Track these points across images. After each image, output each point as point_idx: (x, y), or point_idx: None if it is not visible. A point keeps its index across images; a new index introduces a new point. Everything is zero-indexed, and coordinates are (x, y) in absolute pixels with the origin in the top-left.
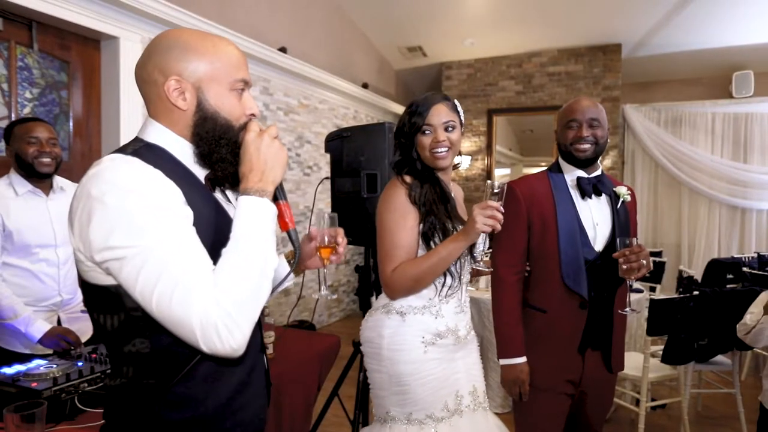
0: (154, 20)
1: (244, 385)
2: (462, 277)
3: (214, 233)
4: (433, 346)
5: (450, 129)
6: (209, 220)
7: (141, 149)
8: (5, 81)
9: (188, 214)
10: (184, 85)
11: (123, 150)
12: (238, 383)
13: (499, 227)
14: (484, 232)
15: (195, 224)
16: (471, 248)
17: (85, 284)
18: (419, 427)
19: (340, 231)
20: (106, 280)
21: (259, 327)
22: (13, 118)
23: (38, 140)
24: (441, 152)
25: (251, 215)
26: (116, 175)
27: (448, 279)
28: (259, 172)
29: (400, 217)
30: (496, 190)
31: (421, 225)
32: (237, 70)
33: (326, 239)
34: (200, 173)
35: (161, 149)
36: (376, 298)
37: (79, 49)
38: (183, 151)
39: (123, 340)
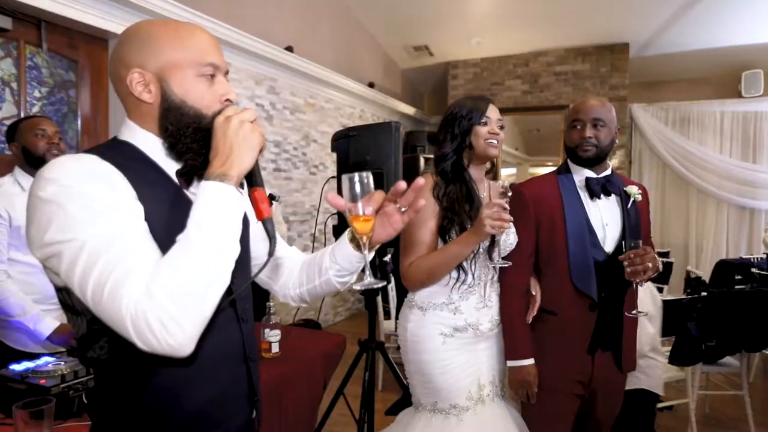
0: (160, 18)
1: (218, 400)
2: (482, 274)
3: (175, 230)
4: (452, 338)
5: (501, 127)
6: (171, 217)
7: (105, 146)
8: (14, 80)
9: (137, 209)
10: (148, 77)
11: (89, 149)
12: (211, 397)
13: (506, 227)
14: (492, 233)
15: (151, 221)
16: (490, 248)
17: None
18: (444, 416)
19: (377, 195)
20: (59, 280)
21: (240, 333)
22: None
23: (46, 133)
24: (494, 142)
25: (207, 201)
26: (56, 171)
27: (461, 275)
28: (224, 157)
29: (420, 216)
30: (501, 190)
31: (442, 221)
32: (203, 54)
33: (361, 209)
34: (172, 168)
35: (129, 145)
36: (382, 297)
37: (87, 48)
38: (153, 146)
39: (85, 345)
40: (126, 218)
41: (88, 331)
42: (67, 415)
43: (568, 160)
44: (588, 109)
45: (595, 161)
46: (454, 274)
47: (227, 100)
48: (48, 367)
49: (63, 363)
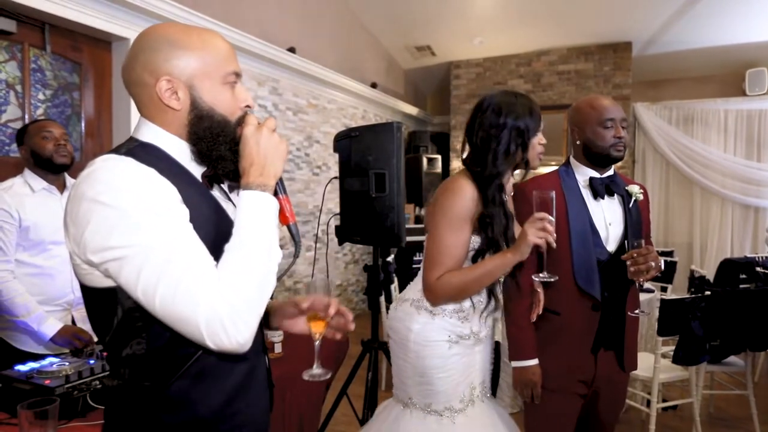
0: (163, 21)
1: (242, 387)
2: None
3: (214, 231)
4: (456, 345)
5: None
6: (208, 217)
7: (135, 148)
8: (19, 83)
9: (185, 212)
10: (176, 84)
11: (117, 150)
12: (235, 386)
13: (551, 240)
14: (537, 244)
15: (193, 222)
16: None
17: (83, 288)
18: (438, 417)
19: (334, 302)
20: (105, 282)
21: (260, 327)
22: (26, 120)
23: (52, 135)
24: (542, 152)
25: (254, 210)
26: (110, 175)
27: (492, 302)
28: (260, 166)
29: (456, 227)
30: (539, 200)
31: (479, 236)
32: (227, 62)
33: (319, 312)
34: (197, 171)
35: (156, 148)
36: (385, 297)
37: (90, 51)
38: (179, 149)
39: (121, 343)
40: (182, 221)
41: (125, 329)
42: (72, 415)
43: (572, 159)
44: (617, 109)
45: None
46: (483, 298)
47: (247, 106)
48: (53, 368)
49: (67, 364)
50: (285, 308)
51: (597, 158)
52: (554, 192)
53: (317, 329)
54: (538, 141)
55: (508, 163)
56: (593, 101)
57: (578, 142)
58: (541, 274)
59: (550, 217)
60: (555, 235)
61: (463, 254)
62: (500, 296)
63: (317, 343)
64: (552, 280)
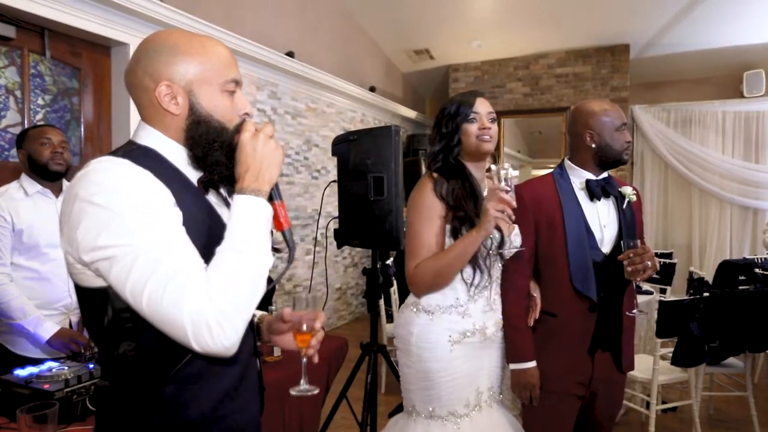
0: (162, 26)
1: (233, 390)
2: (492, 273)
3: (206, 235)
4: (459, 345)
5: (492, 120)
6: (201, 221)
7: (132, 151)
8: (18, 88)
9: (177, 215)
10: (176, 89)
11: (114, 153)
12: (227, 388)
13: (509, 211)
14: (497, 218)
15: (186, 225)
16: (500, 245)
17: (76, 287)
18: (441, 423)
19: (321, 316)
20: (96, 282)
21: (252, 330)
22: (26, 125)
23: (51, 142)
24: (486, 137)
25: (247, 215)
26: (104, 176)
27: (477, 275)
28: (255, 172)
29: (425, 218)
30: (501, 176)
31: (450, 220)
32: (227, 70)
33: (303, 325)
34: (193, 175)
35: (153, 152)
36: (384, 300)
37: (89, 56)
38: (176, 154)
39: (111, 344)
40: (174, 224)
41: (115, 329)
42: (71, 419)
43: (568, 162)
44: (623, 113)
45: None
46: (470, 271)
47: (245, 113)
48: (51, 372)
49: (66, 368)
50: (273, 324)
51: (608, 162)
52: (508, 164)
53: (303, 345)
54: (478, 126)
55: (442, 145)
56: (604, 105)
57: (594, 146)
58: (506, 248)
59: (506, 187)
60: (514, 204)
61: (436, 243)
62: (485, 267)
63: (304, 360)
64: (521, 249)
